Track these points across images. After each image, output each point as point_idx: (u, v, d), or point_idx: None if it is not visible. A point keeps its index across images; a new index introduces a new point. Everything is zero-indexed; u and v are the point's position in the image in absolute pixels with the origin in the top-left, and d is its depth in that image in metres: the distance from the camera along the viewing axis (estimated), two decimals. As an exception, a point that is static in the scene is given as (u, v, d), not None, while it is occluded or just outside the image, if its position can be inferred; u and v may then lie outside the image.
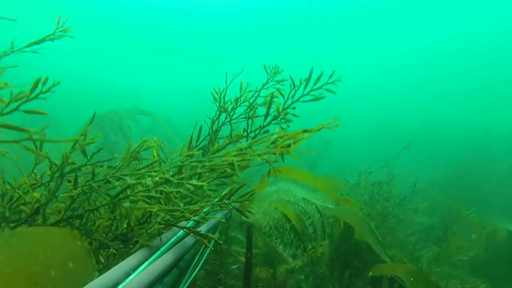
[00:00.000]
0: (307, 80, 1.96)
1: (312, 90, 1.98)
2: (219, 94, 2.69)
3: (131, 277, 1.17)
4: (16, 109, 1.52)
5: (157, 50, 49.56)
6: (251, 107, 2.62)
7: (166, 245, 1.56)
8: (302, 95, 2.01)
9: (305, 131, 1.49)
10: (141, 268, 1.26)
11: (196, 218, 1.76)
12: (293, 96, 2.06)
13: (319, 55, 49.30)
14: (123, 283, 1.12)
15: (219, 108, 2.75)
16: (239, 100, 2.68)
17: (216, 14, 42.22)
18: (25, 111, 1.50)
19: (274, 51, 47.86)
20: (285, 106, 2.10)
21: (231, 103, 2.72)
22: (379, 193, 5.40)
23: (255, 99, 2.63)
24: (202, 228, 1.87)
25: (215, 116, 2.78)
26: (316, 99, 1.97)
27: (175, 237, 1.66)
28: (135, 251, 1.47)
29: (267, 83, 2.63)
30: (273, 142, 1.55)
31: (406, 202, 5.62)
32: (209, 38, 47.60)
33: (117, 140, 7.64)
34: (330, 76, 1.95)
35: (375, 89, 44.53)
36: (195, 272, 1.83)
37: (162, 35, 47.02)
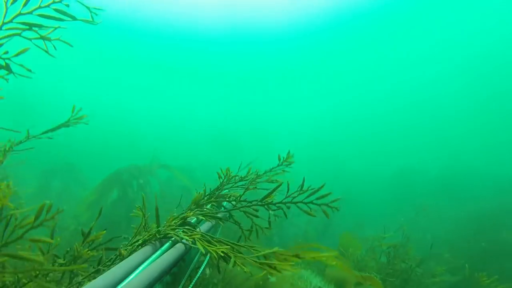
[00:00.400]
0: (311, 192, 1.99)
1: (310, 202, 1.98)
2: (224, 173, 2.78)
3: (131, 277, 1.17)
4: (21, 237, 1.52)
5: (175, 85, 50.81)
6: (253, 182, 2.68)
7: (166, 245, 1.58)
8: (302, 201, 2.00)
9: (296, 256, 1.47)
10: (141, 268, 1.27)
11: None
12: (294, 197, 2.04)
13: (331, 92, 49.71)
14: (123, 283, 1.12)
15: (222, 183, 2.80)
16: (243, 178, 2.75)
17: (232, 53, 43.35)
18: (31, 240, 1.49)
19: (284, 85, 48.62)
20: (282, 201, 2.10)
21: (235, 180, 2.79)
22: (396, 255, 5.24)
23: (256, 177, 2.70)
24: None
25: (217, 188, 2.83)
26: (310, 214, 1.97)
27: (174, 238, 1.67)
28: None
29: (277, 166, 2.70)
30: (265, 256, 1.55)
31: (425, 265, 5.42)
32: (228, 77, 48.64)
33: (135, 198, 7.74)
34: (332, 201, 1.97)
35: (391, 133, 44.11)
36: (199, 273, 1.83)
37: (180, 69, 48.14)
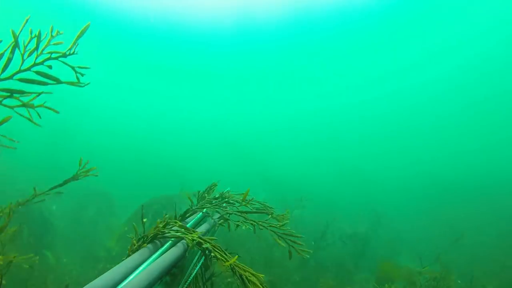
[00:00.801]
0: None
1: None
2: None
3: (131, 277, 1.17)
4: None
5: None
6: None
7: (166, 245, 1.58)
8: (272, 230, 2.22)
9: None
10: (141, 268, 1.26)
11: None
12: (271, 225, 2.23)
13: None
14: (123, 283, 1.11)
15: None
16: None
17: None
18: None
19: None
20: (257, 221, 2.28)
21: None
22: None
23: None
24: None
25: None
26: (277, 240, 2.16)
27: (174, 238, 1.68)
28: None
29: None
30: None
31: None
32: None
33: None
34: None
35: (404, 137, 42.68)
36: (194, 272, 1.81)
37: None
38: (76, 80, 1.69)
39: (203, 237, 1.72)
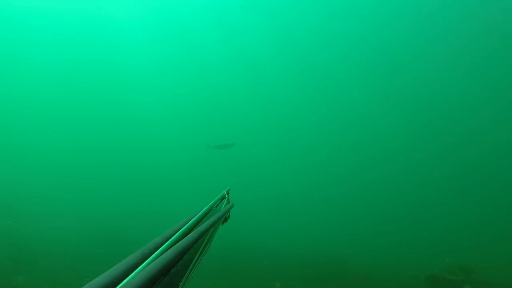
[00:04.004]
0: None
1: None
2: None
3: (130, 276, 1.16)
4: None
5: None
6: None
7: (166, 244, 1.53)
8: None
9: None
10: (140, 267, 1.25)
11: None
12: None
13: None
14: (123, 283, 1.08)
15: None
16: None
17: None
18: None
19: None
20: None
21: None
22: None
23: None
24: (203, 226, 1.85)
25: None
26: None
27: (174, 236, 1.62)
28: None
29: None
30: None
31: None
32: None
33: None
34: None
35: None
36: (194, 271, 1.80)
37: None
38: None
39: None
